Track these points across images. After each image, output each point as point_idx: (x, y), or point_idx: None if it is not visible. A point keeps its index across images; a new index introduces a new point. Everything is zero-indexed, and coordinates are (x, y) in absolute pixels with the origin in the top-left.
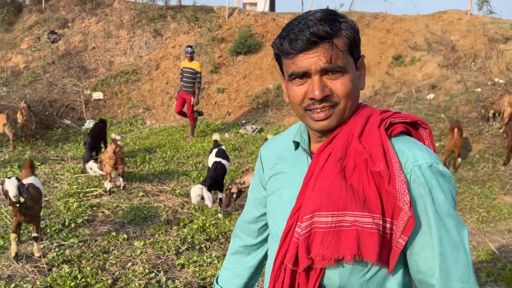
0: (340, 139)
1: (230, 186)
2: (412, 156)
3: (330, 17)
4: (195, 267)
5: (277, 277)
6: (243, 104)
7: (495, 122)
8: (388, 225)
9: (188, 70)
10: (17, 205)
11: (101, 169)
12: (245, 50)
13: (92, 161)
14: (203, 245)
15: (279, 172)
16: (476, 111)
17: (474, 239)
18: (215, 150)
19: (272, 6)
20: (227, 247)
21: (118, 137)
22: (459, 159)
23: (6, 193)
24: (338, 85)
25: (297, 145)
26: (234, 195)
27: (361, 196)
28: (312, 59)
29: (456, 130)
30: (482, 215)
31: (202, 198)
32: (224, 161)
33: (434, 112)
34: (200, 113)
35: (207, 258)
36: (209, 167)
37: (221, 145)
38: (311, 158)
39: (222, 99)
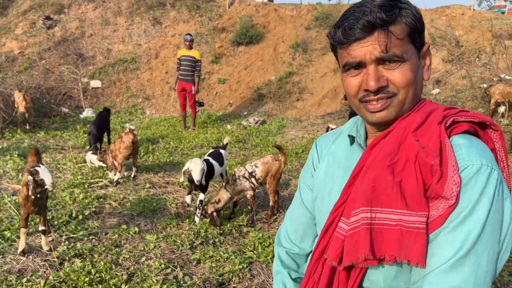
0: (394, 133)
1: (205, 207)
2: (466, 154)
3: (389, 3)
4: (211, 263)
5: (312, 272)
6: (245, 96)
7: (504, 119)
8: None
9: (187, 58)
10: (34, 196)
11: (102, 161)
12: (247, 40)
13: (90, 152)
14: (216, 240)
15: (331, 166)
16: (483, 107)
17: None
18: (211, 150)
19: None
20: (242, 242)
21: (133, 127)
22: None
23: (41, 183)
24: (396, 74)
25: (352, 139)
26: (215, 213)
27: (408, 194)
28: (366, 48)
29: None
30: None
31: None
32: (213, 161)
33: None
34: (201, 104)
35: (223, 253)
36: None
37: (219, 147)
38: None
39: (223, 90)
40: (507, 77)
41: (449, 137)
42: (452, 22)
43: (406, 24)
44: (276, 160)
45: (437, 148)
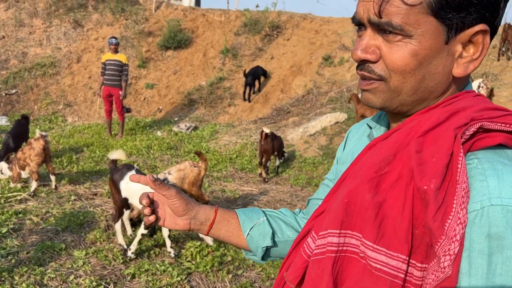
0: (398, 134)
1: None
2: (496, 187)
3: None
4: (147, 276)
5: None
6: (175, 101)
7: None
8: (416, 272)
9: (113, 62)
10: None
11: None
12: (175, 45)
13: (3, 161)
14: (151, 252)
15: (351, 159)
16: None
17: None
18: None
19: (197, 2)
20: (179, 253)
21: (44, 133)
22: None
23: None
24: (393, 52)
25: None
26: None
27: (386, 223)
28: (366, 4)
29: None
30: None
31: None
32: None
33: None
34: (128, 110)
35: (160, 266)
36: None
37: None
38: None
39: (151, 95)
40: None
41: (469, 151)
42: None
43: None
44: (194, 167)
45: (442, 166)
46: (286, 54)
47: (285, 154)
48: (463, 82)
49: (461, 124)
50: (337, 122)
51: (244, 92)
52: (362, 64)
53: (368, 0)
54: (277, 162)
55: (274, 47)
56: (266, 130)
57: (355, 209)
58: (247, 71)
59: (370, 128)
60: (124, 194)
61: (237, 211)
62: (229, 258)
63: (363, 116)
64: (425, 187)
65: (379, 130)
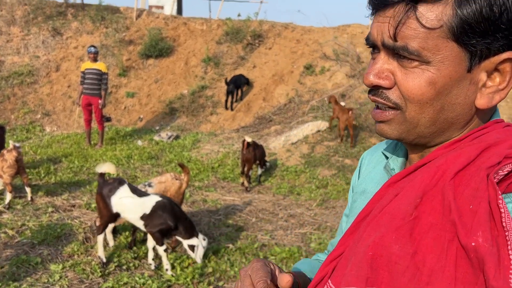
0: (425, 172)
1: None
2: None
3: None
4: None
5: None
6: (156, 110)
7: None
8: None
9: (93, 71)
10: None
11: None
12: (156, 53)
13: None
14: (131, 264)
15: (363, 190)
16: None
17: None
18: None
19: (179, 11)
20: (159, 265)
21: (18, 144)
22: None
23: None
24: (408, 80)
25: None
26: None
27: (420, 279)
28: (381, 26)
29: (350, 112)
30: None
31: None
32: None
33: None
34: (108, 119)
35: (139, 279)
36: None
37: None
38: None
39: (132, 104)
40: None
41: (504, 192)
42: (353, 40)
43: (457, 16)
44: (176, 179)
45: (484, 213)
46: (268, 63)
47: (267, 163)
48: (489, 111)
49: (494, 163)
50: (319, 131)
51: (226, 101)
52: (375, 89)
53: (383, 21)
54: (259, 171)
55: (256, 56)
56: (248, 139)
57: (382, 263)
58: (228, 79)
59: (386, 157)
60: (115, 209)
61: (307, 275)
62: (210, 270)
63: (338, 118)
64: (473, 244)
65: (396, 161)
